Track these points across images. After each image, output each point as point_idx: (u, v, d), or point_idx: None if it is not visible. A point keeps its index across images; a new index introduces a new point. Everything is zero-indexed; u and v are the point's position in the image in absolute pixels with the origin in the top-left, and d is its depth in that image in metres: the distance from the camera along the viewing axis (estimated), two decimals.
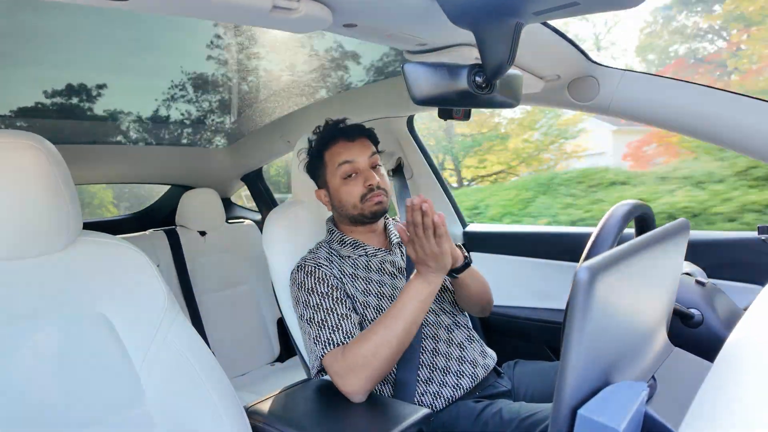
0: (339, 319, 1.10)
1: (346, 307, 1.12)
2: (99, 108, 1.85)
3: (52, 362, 0.82)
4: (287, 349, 2.38)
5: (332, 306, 1.12)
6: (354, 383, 1.02)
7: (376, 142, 1.30)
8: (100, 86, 1.73)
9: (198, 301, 2.19)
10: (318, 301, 1.13)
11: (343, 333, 1.08)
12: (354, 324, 1.11)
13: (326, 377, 1.12)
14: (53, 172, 0.85)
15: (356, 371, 1.01)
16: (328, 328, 1.09)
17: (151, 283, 0.96)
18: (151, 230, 2.25)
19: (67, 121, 1.88)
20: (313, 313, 1.12)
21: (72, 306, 0.87)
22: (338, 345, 1.06)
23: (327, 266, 1.18)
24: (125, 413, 0.86)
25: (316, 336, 1.09)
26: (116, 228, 2.45)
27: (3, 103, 1.69)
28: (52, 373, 0.82)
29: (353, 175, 1.23)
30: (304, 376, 1.27)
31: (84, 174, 2.20)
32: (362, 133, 1.27)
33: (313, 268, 1.17)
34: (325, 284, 1.15)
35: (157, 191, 2.79)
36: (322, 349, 1.08)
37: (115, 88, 1.76)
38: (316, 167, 1.30)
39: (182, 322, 0.97)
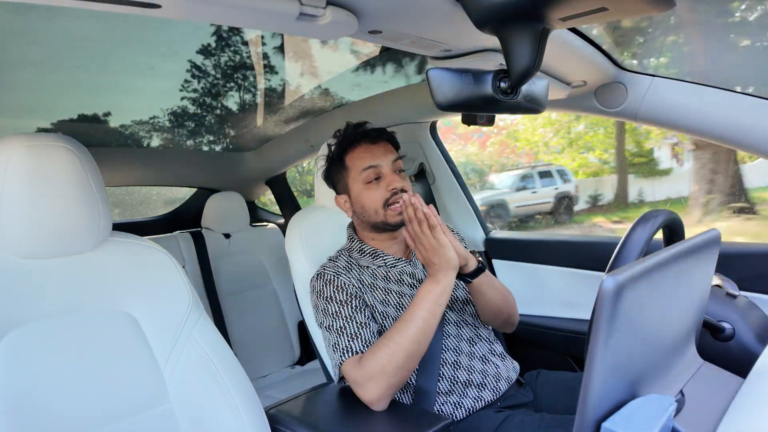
0: (358, 328, 1.09)
1: (364, 316, 1.12)
2: (127, 112, 1.90)
3: (78, 358, 0.85)
4: (307, 352, 2.39)
5: (351, 314, 1.11)
6: (373, 391, 1.01)
7: (397, 147, 1.27)
8: (129, 91, 1.78)
9: (221, 303, 2.22)
10: (337, 309, 1.13)
11: (361, 341, 1.08)
12: (373, 332, 1.10)
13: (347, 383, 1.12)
14: (86, 174, 0.88)
15: (375, 379, 1.01)
16: (347, 336, 1.08)
17: (176, 283, 0.98)
18: (177, 232, 2.30)
19: (97, 125, 1.93)
20: (332, 321, 1.12)
21: (99, 304, 0.90)
22: (356, 353, 1.06)
23: (346, 275, 1.18)
24: (149, 410, 0.88)
25: (335, 344, 1.10)
26: (144, 229, 2.51)
27: (39, 110, 1.75)
28: (78, 369, 0.84)
29: (376, 179, 1.20)
30: (324, 380, 1.27)
31: (114, 176, 2.26)
32: (385, 137, 1.24)
33: (332, 276, 1.17)
34: (344, 293, 1.14)
35: (148, 199, 2.88)
36: (341, 357, 1.07)
37: (144, 92, 1.81)
38: (336, 172, 1.27)
39: (206, 323, 0.98)
